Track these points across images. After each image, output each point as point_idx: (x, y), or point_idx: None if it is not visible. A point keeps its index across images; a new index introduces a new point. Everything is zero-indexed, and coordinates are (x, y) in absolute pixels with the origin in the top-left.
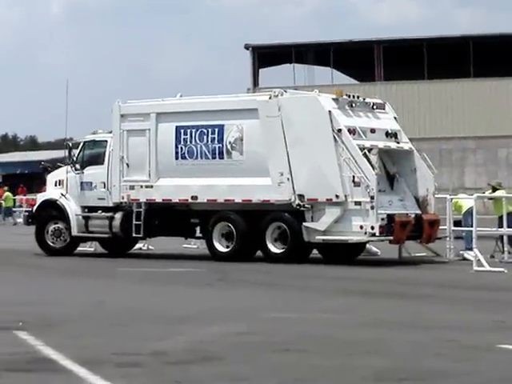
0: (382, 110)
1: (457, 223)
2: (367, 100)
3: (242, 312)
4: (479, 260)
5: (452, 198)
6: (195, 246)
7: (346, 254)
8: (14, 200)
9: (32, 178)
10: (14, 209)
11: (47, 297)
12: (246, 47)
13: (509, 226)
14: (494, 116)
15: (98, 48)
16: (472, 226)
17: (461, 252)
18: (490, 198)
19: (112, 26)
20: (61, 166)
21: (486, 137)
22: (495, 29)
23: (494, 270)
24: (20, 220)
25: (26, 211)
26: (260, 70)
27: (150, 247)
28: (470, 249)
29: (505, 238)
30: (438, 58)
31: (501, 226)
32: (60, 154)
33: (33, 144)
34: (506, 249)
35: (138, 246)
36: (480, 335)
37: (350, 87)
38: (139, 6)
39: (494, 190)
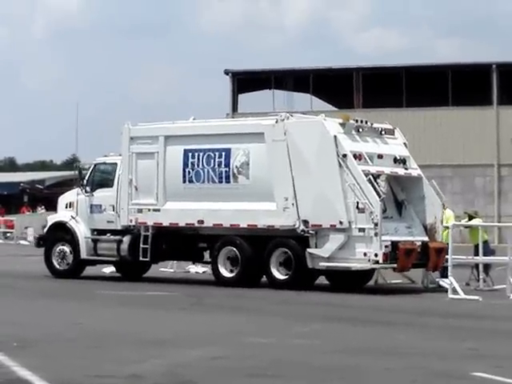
0: (391, 136)
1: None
2: (375, 125)
3: (217, 336)
4: (454, 288)
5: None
6: (171, 269)
7: (353, 281)
8: None
9: (10, 199)
10: None
11: (24, 318)
12: (226, 72)
13: (484, 255)
14: (471, 144)
15: (78, 71)
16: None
17: (436, 279)
18: (466, 227)
19: (92, 49)
20: (39, 188)
21: (464, 165)
22: (473, 58)
23: (469, 298)
24: None
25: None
26: (239, 96)
27: None
28: (446, 276)
29: (480, 267)
30: (416, 86)
31: (476, 254)
32: (38, 175)
33: (12, 165)
34: (481, 277)
35: (105, 270)
36: (454, 363)
37: (328, 114)
38: (118, 29)
39: (471, 218)
